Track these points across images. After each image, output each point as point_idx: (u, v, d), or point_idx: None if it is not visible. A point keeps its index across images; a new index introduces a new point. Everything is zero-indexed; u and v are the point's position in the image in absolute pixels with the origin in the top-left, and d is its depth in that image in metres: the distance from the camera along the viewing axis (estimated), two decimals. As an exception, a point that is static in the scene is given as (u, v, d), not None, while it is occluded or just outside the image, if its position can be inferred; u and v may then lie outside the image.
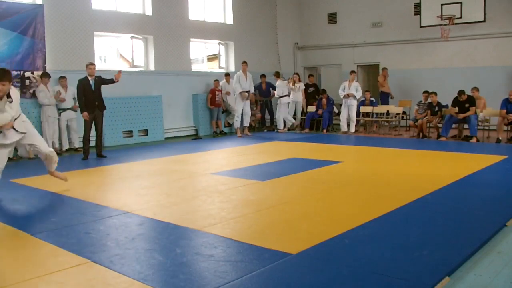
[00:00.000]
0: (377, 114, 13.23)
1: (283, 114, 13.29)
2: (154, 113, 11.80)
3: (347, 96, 12.47)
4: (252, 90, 12.50)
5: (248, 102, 12.41)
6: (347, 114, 12.61)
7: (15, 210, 5.24)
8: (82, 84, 8.76)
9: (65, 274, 3.39)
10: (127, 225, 4.58)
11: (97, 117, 8.90)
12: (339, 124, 13.84)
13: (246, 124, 12.51)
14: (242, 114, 12.35)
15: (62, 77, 9.96)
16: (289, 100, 13.23)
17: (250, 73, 12.52)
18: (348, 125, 12.69)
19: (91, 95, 8.78)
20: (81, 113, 8.82)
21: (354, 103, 12.60)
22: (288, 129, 13.47)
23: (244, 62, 12.33)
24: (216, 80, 12.81)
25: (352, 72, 12.86)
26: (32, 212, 5.12)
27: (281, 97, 13.17)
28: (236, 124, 12.37)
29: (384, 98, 13.62)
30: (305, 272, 3.34)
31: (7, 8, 9.35)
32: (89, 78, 8.77)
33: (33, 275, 3.38)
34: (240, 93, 12.09)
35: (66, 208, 5.26)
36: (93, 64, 8.88)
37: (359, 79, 15.35)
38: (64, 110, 9.99)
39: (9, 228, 4.54)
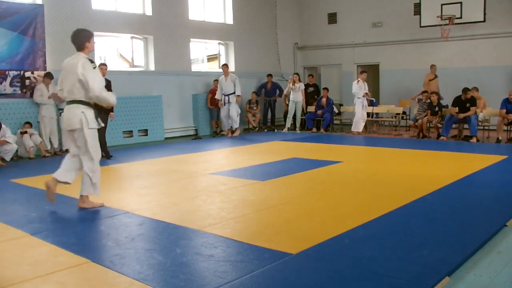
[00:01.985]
0: (377, 114, 13.25)
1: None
2: (154, 113, 11.80)
3: (366, 95, 12.38)
4: (238, 92, 12.03)
5: (232, 105, 11.99)
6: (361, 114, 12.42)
7: (15, 210, 5.23)
8: None
9: (65, 274, 3.39)
10: (127, 225, 4.58)
11: (105, 119, 8.84)
12: (339, 124, 13.86)
13: (234, 126, 12.16)
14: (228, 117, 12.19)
15: None
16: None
17: (248, 73, 12.46)
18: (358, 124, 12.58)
19: None
20: None
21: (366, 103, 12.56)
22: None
23: (224, 64, 12.21)
24: (216, 80, 12.79)
25: (364, 71, 12.72)
26: (32, 212, 5.11)
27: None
28: (223, 126, 12.42)
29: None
30: (305, 272, 3.34)
31: (7, 8, 9.35)
32: None
33: (33, 275, 3.38)
34: (217, 101, 12.15)
35: (66, 208, 5.25)
36: (105, 64, 8.85)
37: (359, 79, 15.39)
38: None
39: (9, 228, 4.54)
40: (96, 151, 5.16)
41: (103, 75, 8.62)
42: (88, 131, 5.02)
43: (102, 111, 8.72)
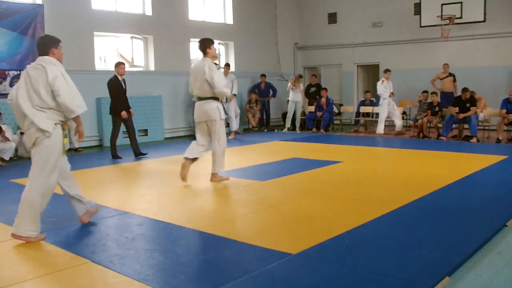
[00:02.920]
0: (377, 114, 13.21)
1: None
2: (154, 113, 11.80)
3: (392, 95, 12.11)
4: (234, 91, 12.04)
5: (230, 105, 11.86)
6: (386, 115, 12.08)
7: (15, 210, 5.22)
8: (115, 84, 8.63)
9: (65, 274, 3.39)
10: (127, 225, 4.58)
11: (128, 119, 8.82)
12: (339, 124, 13.85)
13: (232, 127, 12.06)
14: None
15: None
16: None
17: (248, 74, 12.49)
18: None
19: (123, 95, 8.72)
20: (118, 113, 8.63)
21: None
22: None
23: (227, 64, 12.34)
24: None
25: (388, 70, 12.27)
26: (32, 212, 5.11)
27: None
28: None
29: (446, 99, 11.78)
30: (305, 272, 3.34)
31: (7, 8, 9.35)
32: (119, 77, 8.68)
33: (33, 275, 3.38)
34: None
35: (66, 208, 5.24)
36: (124, 63, 8.85)
37: (359, 79, 15.41)
38: None
39: (9, 228, 4.52)
40: (224, 137, 6.40)
41: (122, 74, 8.66)
42: (220, 122, 6.27)
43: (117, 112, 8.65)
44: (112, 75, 8.79)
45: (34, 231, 4.11)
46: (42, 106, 4.07)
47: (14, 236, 4.10)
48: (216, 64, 6.21)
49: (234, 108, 12.08)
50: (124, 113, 8.61)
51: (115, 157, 8.80)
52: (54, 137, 4.10)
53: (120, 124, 8.83)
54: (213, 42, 6.37)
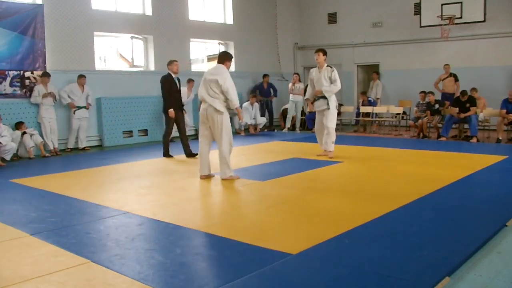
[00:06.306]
0: (376, 114, 13.23)
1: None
2: (154, 113, 11.80)
3: None
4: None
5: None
6: None
7: (15, 210, 5.23)
8: (168, 82, 8.59)
9: (65, 274, 3.39)
10: (127, 225, 4.58)
11: (180, 116, 8.75)
12: (338, 124, 13.82)
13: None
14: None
15: (81, 76, 10.07)
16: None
17: (248, 73, 12.88)
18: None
19: (177, 93, 8.67)
20: (166, 110, 8.56)
21: None
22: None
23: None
24: None
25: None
26: (32, 212, 5.12)
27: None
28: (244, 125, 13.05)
29: (446, 100, 11.69)
30: (305, 272, 3.34)
31: (7, 8, 9.35)
32: (173, 75, 8.63)
33: (33, 275, 3.38)
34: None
35: (66, 208, 5.25)
36: (177, 61, 8.80)
37: (358, 79, 15.40)
38: (79, 108, 10.08)
39: (9, 228, 4.54)
40: (334, 121, 8.16)
41: (176, 72, 8.67)
42: (333, 111, 8.06)
43: (178, 109, 8.71)
44: (166, 73, 8.77)
45: (232, 173, 6.49)
46: (214, 97, 6.28)
47: (223, 179, 6.36)
48: (330, 67, 8.05)
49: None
50: (171, 112, 8.47)
51: (167, 156, 8.73)
52: (225, 114, 6.35)
53: (173, 123, 8.70)
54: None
